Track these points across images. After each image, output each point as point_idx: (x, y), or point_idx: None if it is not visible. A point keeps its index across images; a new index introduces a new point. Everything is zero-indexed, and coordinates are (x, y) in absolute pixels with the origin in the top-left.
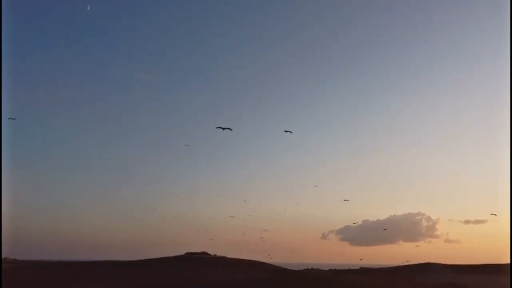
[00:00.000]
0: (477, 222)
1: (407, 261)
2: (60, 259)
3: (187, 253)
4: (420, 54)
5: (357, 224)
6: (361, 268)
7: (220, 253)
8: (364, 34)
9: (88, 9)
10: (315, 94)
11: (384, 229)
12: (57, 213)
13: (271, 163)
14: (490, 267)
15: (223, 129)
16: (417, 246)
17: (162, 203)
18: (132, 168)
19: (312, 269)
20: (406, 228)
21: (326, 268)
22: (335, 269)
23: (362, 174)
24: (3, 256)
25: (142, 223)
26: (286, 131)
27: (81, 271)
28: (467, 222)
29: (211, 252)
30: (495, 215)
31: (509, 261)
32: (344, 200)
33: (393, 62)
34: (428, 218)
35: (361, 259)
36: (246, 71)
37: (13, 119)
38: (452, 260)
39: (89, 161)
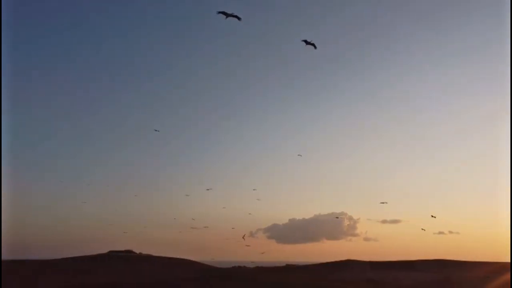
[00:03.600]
0: (393, 222)
1: None
2: None
3: (110, 251)
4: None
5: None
6: (286, 265)
7: (146, 251)
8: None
9: None
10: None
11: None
12: None
13: (205, 162)
14: (403, 263)
15: (227, 16)
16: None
17: (87, 198)
18: (59, 164)
19: (239, 267)
20: (329, 226)
21: (253, 266)
22: (261, 267)
23: (290, 174)
24: None
25: (63, 220)
26: (307, 43)
27: None
28: (384, 221)
29: (137, 250)
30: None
31: (419, 258)
32: (382, 202)
33: (334, 65)
34: (350, 218)
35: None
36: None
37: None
38: (370, 257)
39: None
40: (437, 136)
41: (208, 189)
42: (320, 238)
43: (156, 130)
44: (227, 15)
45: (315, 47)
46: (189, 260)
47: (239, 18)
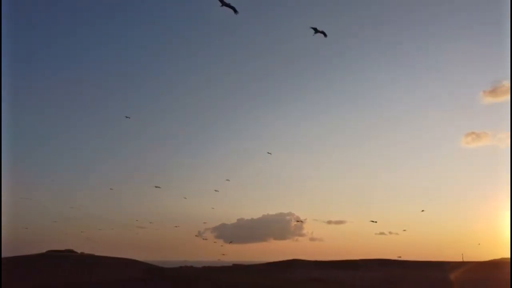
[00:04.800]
0: (338, 222)
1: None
2: None
3: (49, 251)
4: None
5: (374, 222)
6: (233, 265)
7: (88, 250)
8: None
9: None
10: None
11: None
12: None
13: (152, 161)
14: (347, 262)
15: (222, 4)
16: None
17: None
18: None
19: (186, 266)
20: (277, 226)
21: (201, 266)
22: (208, 266)
23: (240, 174)
24: None
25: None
26: (317, 31)
27: None
28: (329, 222)
29: (78, 250)
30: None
31: (362, 257)
32: (372, 221)
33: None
34: (297, 218)
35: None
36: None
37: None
38: (316, 257)
39: None
40: (380, 140)
41: (156, 187)
42: (268, 238)
43: (127, 117)
44: (222, 3)
45: (325, 35)
46: (135, 260)
47: (235, 11)
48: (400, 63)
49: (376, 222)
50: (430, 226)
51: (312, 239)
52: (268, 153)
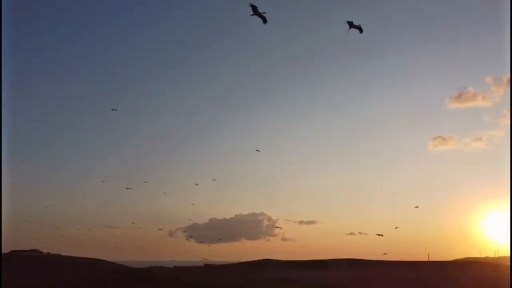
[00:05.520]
0: (309, 222)
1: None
2: None
3: (12, 251)
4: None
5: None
6: (205, 265)
7: (55, 250)
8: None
9: None
10: None
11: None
12: None
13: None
14: (317, 262)
15: (255, 13)
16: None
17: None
18: None
19: (156, 266)
20: (249, 226)
21: (172, 266)
22: (180, 266)
23: (213, 173)
24: None
25: None
26: (351, 26)
27: None
28: (301, 222)
29: (44, 250)
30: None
31: (332, 257)
32: (378, 234)
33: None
34: (270, 218)
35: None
36: None
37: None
38: (287, 257)
39: None
40: (350, 143)
41: (128, 188)
42: (240, 238)
43: (113, 109)
44: (255, 11)
45: (361, 30)
46: (103, 260)
47: (264, 21)
48: (369, 68)
49: (382, 235)
50: (399, 226)
51: (284, 239)
52: (256, 150)
